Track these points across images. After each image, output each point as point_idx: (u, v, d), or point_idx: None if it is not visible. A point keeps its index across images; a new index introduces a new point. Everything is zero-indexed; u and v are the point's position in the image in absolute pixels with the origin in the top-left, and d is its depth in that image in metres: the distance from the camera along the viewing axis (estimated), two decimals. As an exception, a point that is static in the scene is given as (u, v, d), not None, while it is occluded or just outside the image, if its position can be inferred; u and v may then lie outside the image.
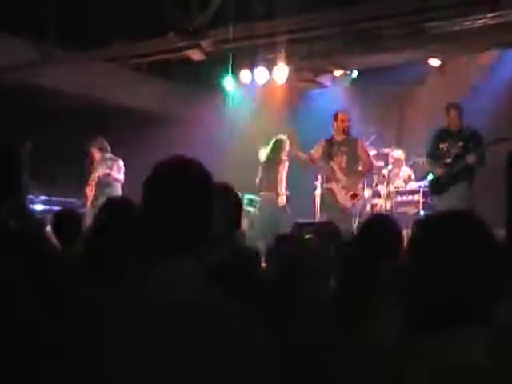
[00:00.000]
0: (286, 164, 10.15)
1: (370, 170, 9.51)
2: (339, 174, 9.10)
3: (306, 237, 3.69)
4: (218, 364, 1.77)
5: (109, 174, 10.35)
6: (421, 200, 9.92)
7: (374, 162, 9.87)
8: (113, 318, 1.86)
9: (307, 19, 9.15)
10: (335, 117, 9.26)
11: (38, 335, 2.24)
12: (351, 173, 9.10)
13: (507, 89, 10.91)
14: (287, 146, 9.91)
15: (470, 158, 8.49)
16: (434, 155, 8.87)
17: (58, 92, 10.96)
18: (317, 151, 9.31)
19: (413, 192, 10.20)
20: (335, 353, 2.93)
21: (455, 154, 8.69)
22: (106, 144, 10.54)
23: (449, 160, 8.71)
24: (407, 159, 10.90)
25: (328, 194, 9.24)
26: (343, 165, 9.12)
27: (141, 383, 1.79)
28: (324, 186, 9.39)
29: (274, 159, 10.18)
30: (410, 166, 10.77)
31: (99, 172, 10.34)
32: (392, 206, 10.26)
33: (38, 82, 10.60)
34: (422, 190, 9.97)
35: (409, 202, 10.17)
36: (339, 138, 9.20)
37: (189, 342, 1.80)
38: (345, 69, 11.55)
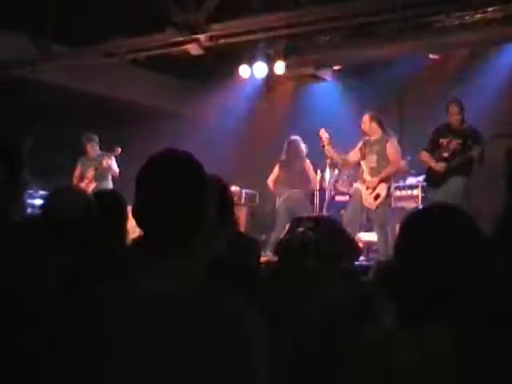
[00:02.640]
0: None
1: (394, 170, 9.28)
2: (366, 174, 9.14)
3: (300, 230, 3.64)
4: (206, 359, 1.75)
5: (109, 167, 10.39)
6: (420, 194, 9.93)
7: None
8: (109, 313, 1.84)
9: (306, 13, 9.12)
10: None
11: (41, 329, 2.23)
12: (379, 173, 9.08)
13: (508, 82, 10.89)
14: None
15: (475, 151, 8.47)
16: (433, 148, 8.86)
17: (56, 87, 10.96)
18: (355, 153, 9.37)
19: (412, 187, 10.21)
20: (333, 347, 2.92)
21: (453, 149, 8.69)
22: (96, 139, 10.58)
23: (446, 154, 8.71)
24: (406, 154, 10.88)
25: (355, 194, 9.29)
26: (373, 164, 9.15)
27: (136, 376, 1.78)
28: (353, 185, 9.48)
29: None
30: (408, 161, 10.76)
31: (103, 163, 10.36)
32: (391, 201, 10.25)
33: (36, 78, 10.60)
34: (420, 185, 9.97)
35: (408, 197, 10.17)
36: (373, 137, 9.24)
37: (182, 336, 1.77)
38: (344, 63, 11.53)
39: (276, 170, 10.10)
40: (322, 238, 3.77)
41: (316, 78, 12.29)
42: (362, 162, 9.24)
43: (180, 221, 1.89)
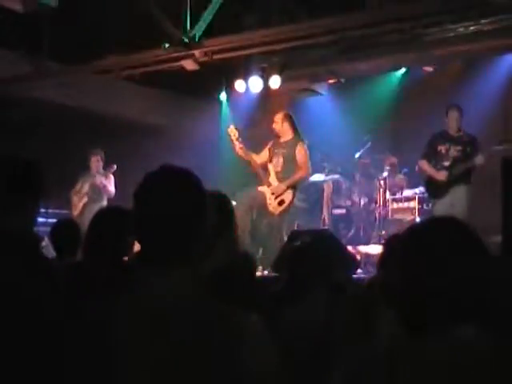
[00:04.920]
0: None
1: (303, 177, 8.93)
2: (272, 178, 8.77)
3: (297, 244, 3.65)
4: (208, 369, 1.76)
5: (104, 186, 10.39)
6: (416, 206, 9.93)
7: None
8: (109, 327, 1.85)
9: (301, 28, 9.14)
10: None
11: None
12: (285, 178, 8.71)
13: (502, 93, 10.93)
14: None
15: (479, 160, 8.43)
16: (431, 156, 8.81)
17: (52, 104, 10.96)
18: (263, 154, 9.01)
19: (408, 199, 10.21)
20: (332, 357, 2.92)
21: (453, 157, 8.65)
22: (103, 157, 10.60)
23: (447, 163, 8.67)
24: (402, 166, 10.91)
25: (259, 197, 8.78)
26: (278, 168, 8.78)
27: None
28: (258, 188, 8.89)
29: None
30: (405, 174, 10.78)
31: (97, 181, 10.37)
32: (388, 213, 10.26)
33: (32, 95, 10.60)
34: (417, 197, 9.98)
35: (405, 209, 10.18)
36: (283, 138, 8.91)
37: (185, 348, 1.78)
38: (339, 76, 11.56)
39: None
40: (317, 252, 3.78)
41: (311, 92, 12.34)
42: (269, 165, 8.86)
43: (179, 235, 1.90)
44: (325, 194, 10.83)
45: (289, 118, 8.95)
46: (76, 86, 10.83)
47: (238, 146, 8.83)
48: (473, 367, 1.78)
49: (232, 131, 8.91)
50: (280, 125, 8.90)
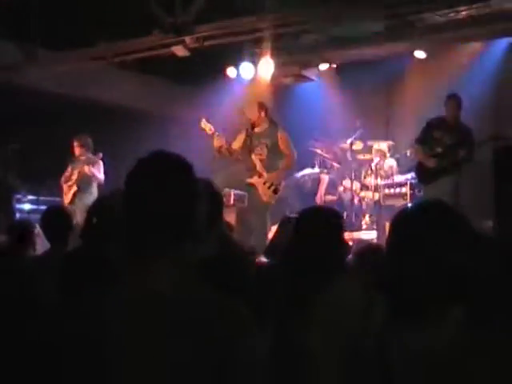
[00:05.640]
0: None
1: (292, 163, 9.01)
2: (260, 168, 8.75)
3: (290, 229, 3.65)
4: (197, 358, 1.76)
5: (93, 174, 10.32)
6: (408, 192, 9.95)
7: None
8: (108, 316, 1.85)
9: (292, 14, 9.12)
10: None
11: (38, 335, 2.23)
12: (272, 167, 8.75)
13: (493, 79, 10.93)
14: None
15: (462, 152, 8.51)
16: (425, 141, 8.85)
17: (44, 92, 10.92)
18: (237, 142, 8.93)
19: (400, 184, 10.22)
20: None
21: (447, 145, 8.70)
22: (89, 142, 10.49)
23: (440, 150, 8.71)
24: (394, 152, 10.91)
25: (250, 189, 8.85)
26: (263, 157, 8.76)
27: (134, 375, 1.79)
28: (247, 180, 8.87)
29: None
30: (397, 159, 10.78)
31: (85, 169, 10.30)
32: (380, 199, 10.28)
33: (24, 82, 10.56)
34: (409, 183, 9.99)
35: (396, 195, 10.19)
36: (260, 128, 8.86)
37: (172, 336, 1.79)
38: (331, 62, 11.53)
39: None
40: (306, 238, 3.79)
41: (302, 78, 12.30)
42: (253, 156, 8.81)
43: (170, 222, 1.89)
44: (321, 185, 10.89)
45: (265, 107, 8.94)
46: (67, 73, 10.78)
47: (216, 139, 8.73)
48: (470, 350, 1.79)
49: (205, 125, 8.81)
50: (257, 114, 8.84)
